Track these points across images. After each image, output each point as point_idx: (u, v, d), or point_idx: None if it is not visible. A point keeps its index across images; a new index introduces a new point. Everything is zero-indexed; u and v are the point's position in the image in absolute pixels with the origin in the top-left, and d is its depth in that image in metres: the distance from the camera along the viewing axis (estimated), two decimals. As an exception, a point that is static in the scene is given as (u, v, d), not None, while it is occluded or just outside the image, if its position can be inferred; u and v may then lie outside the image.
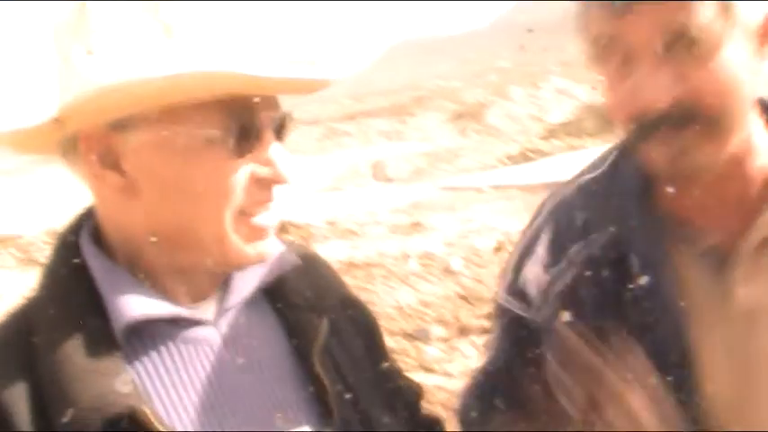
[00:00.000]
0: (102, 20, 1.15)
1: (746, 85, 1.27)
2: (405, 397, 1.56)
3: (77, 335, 1.15)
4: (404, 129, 32.22)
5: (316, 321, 1.38)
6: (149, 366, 1.21)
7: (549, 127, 25.40)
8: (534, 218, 1.59)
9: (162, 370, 1.22)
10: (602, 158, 1.55)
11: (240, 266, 1.27)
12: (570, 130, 23.55)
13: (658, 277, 1.37)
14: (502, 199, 14.47)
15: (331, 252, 10.95)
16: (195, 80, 1.12)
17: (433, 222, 12.81)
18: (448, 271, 9.62)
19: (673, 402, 1.29)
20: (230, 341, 1.29)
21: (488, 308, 8.03)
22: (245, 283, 1.33)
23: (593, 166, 1.55)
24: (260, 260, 1.27)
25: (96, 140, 1.18)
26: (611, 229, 1.42)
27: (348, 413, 1.35)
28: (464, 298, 8.45)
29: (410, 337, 7.46)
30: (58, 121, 1.15)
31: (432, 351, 7.10)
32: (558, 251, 1.48)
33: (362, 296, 7.34)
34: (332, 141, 31.02)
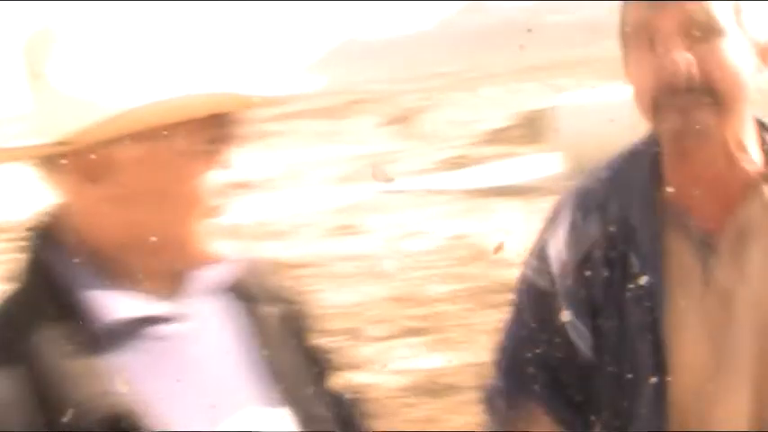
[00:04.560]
0: (84, 40, 1.24)
1: (749, 81, 1.53)
2: (336, 398, 1.60)
3: (56, 337, 1.20)
4: (340, 131, 32.19)
5: (270, 316, 1.47)
6: (130, 364, 1.26)
7: (485, 133, 25.57)
8: (558, 202, 1.75)
9: (139, 367, 1.27)
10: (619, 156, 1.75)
11: (204, 265, 1.34)
12: (506, 136, 23.75)
13: (647, 255, 1.57)
14: (437, 203, 14.59)
15: (267, 252, 10.93)
16: (199, 101, 1.21)
17: (368, 225, 12.87)
18: (382, 273, 9.71)
19: None
20: (198, 336, 1.35)
21: (423, 309, 8.14)
22: (209, 281, 1.39)
23: (611, 161, 1.75)
24: (221, 259, 1.35)
25: (83, 155, 1.22)
26: (621, 211, 1.62)
27: (297, 404, 1.43)
28: (400, 299, 8.54)
29: (344, 336, 7.52)
30: (63, 144, 1.21)
31: (368, 350, 7.20)
32: (575, 232, 1.65)
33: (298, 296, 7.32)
34: (266, 141, 30.89)
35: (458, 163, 20.83)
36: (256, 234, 12.62)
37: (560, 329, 1.59)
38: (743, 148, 1.57)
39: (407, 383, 6.40)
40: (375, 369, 6.76)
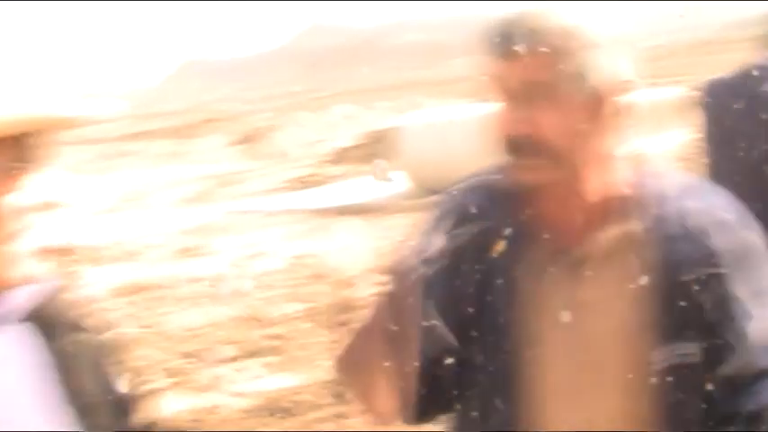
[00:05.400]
0: None
1: (587, 136, 1.61)
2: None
3: None
4: (189, 151, 31.82)
5: (71, 344, 1.44)
6: None
7: (335, 151, 25.66)
8: (441, 201, 1.81)
9: None
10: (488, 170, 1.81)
11: (6, 288, 1.31)
12: (356, 154, 23.87)
13: (520, 277, 1.65)
14: (288, 222, 14.58)
15: (115, 275, 10.78)
16: (14, 121, 1.21)
17: (218, 245, 12.81)
18: (234, 293, 9.68)
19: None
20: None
21: (269, 330, 8.16)
22: (9, 307, 1.35)
23: (480, 178, 1.81)
24: (25, 283, 1.32)
25: None
26: (489, 228, 1.69)
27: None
28: (249, 319, 8.55)
29: (196, 358, 7.49)
30: None
31: (218, 372, 7.18)
32: (452, 232, 1.70)
33: (146, 319, 7.31)
34: (115, 162, 30.25)
35: (305, 182, 20.84)
36: (107, 256, 12.41)
37: (426, 333, 1.61)
38: (600, 181, 1.65)
39: (255, 404, 6.38)
40: (222, 390, 6.75)
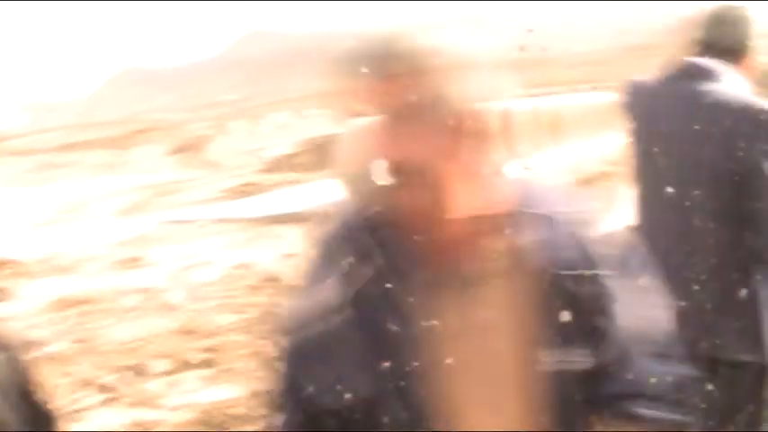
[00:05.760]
0: None
1: (459, 155, 1.58)
2: None
3: None
4: (124, 161, 31.55)
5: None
6: None
7: (269, 161, 25.60)
8: (316, 248, 1.76)
9: None
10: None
11: None
12: (291, 163, 23.86)
13: (416, 298, 1.63)
14: (223, 232, 14.51)
15: (48, 289, 10.64)
16: None
17: (153, 257, 12.69)
18: (168, 305, 9.61)
19: None
20: None
21: (208, 341, 8.11)
22: None
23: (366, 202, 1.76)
24: None
25: None
26: (380, 252, 1.66)
27: None
28: (185, 332, 8.48)
29: (130, 372, 7.41)
30: None
31: (152, 386, 7.09)
32: (341, 273, 1.67)
33: (81, 333, 7.23)
34: (49, 174, 29.87)
35: (244, 191, 20.76)
36: (40, 270, 12.24)
37: (340, 370, 1.64)
38: (474, 198, 1.64)
39: (194, 417, 6.35)
40: (156, 405, 6.69)
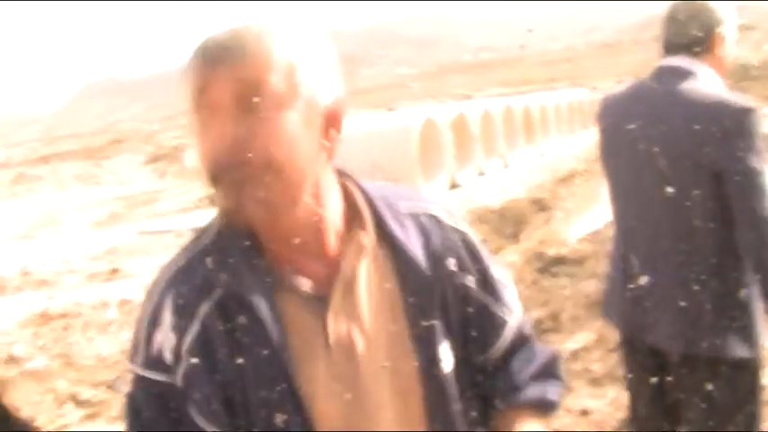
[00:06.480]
0: None
1: (309, 149, 1.52)
2: None
3: None
4: (99, 172, 31.37)
5: None
6: None
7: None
8: (152, 291, 1.62)
9: None
10: (208, 227, 1.66)
11: None
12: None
13: (265, 320, 1.51)
14: (200, 241, 14.40)
15: (25, 303, 10.56)
16: None
17: (131, 268, 12.61)
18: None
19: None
20: None
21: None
22: None
23: (201, 235, 1.66)
24: None
25: None
26: (227, 282, 1.54)
27: None
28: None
29: (111, 387, 7.36)
30: None
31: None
32: (184, 312, 1.54)
33: (60, 348, 7.19)
34: (23, 186, 29.67)
35: (220, 200, 20.61)
36: (17, 285, 12.15)
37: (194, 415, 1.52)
38: (324, 207, 1.59)
39: None
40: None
